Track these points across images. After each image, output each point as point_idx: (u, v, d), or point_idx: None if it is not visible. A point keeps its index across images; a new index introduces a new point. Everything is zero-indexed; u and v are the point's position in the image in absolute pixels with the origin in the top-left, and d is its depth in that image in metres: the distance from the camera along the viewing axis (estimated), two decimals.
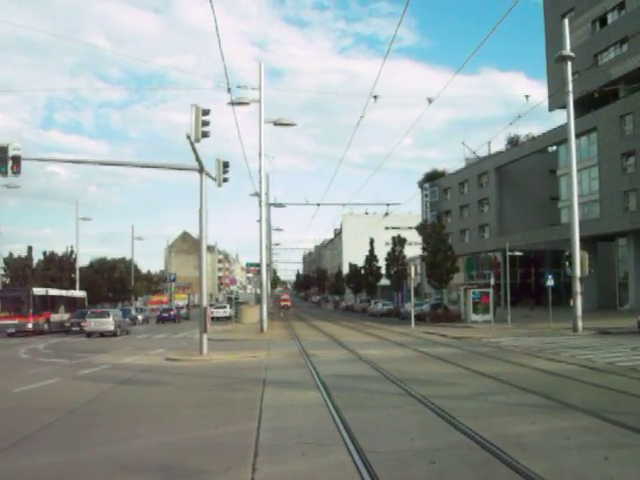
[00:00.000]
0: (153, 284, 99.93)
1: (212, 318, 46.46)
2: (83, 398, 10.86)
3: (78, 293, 48.48)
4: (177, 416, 9.13)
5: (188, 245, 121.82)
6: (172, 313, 53.29)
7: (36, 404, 10.65)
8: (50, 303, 38.89)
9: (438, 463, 6.06)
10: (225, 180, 19.43)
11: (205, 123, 16.31)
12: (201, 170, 18.42)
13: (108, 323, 32.08)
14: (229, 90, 22.72)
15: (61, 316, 39.40)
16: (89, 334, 31.71)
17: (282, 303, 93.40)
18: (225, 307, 53.72)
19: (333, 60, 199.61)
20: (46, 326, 36.58)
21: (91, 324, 32.16)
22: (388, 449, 6.72)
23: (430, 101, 16.45)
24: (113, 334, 31.69)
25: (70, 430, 8.32)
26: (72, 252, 66.49)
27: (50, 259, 68.33)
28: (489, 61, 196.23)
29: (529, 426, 7.77)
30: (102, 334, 31.40)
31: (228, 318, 46.75)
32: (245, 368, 15.38)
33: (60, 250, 69.20)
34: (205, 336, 18.50)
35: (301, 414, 8.98)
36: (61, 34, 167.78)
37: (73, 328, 35.93)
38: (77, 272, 56.96)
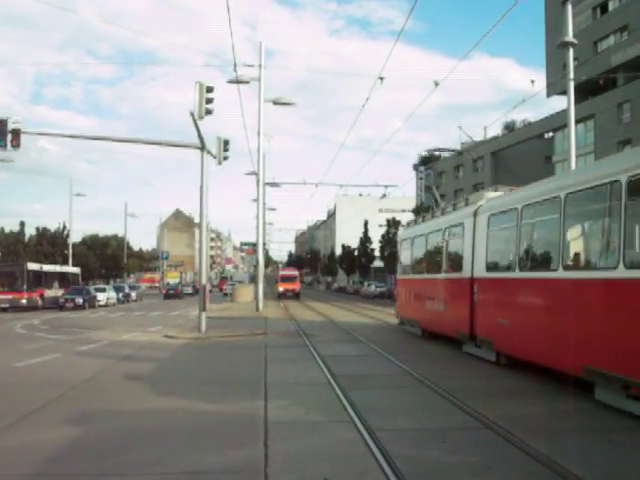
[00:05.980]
0: (145, 262, 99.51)
1: (225, 294, 49.16)
2: (86, 374, 10.91)
3: (72, 269, 48.46)
4: (182, 393, 9.20)
5: (181, 223, 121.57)
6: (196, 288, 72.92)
7: (39, 379, 10.70)
8: (44, 279, 38.84)
9: (448, 442, 6.18)
10: (225, 158, 19.37)
11: (209, 100, 16.21)
12: (202, 148, 18.30)
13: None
14: (235, 68, 22.78)
15: (55, 292, 39.36)
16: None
17: (282, 287, 53.08)
18: (235, 284, 61.19)
19: (324, 42, 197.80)
20: (40, 302, 36.56)
21: None
22: (397, 428, 6.82)
23: (437, 84, 16.38)
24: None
25: (76, 405, 8.38)
26: (64, 228, 66.24)
27: (42, 235, 68.02)
28: (480, 46, 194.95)
29: (528, 408, 7.95)
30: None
31: None
32: (245, 346, 15.46)
33: (51, 226, 68.94)
34: (204, 314, 18.56)
35: (306, 392, 9.09)
36: (52, 8, 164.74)
37: (67, 304, 35.96)
38: (70, 248, 56.73)
